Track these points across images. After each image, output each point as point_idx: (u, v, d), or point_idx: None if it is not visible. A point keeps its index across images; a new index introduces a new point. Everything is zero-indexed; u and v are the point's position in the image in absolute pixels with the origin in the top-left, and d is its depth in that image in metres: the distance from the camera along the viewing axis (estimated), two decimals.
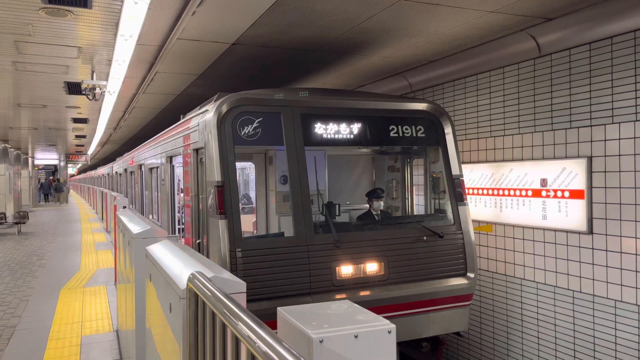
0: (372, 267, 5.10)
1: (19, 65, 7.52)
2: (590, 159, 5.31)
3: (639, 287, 4.90)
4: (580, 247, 5.46)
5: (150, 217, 10.15)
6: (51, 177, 40.76)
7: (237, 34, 6.00)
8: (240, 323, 1.59)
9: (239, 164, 9.90)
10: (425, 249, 5.37)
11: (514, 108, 6.30)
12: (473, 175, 6.92)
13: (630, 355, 5.00)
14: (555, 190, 5.70)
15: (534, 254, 6.04)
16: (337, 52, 6.86)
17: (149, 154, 10.00)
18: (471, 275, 5.53)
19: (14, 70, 7.87)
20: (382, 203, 6.56)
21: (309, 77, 8.48)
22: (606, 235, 5.18)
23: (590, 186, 5.31)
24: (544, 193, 5.84)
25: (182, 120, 6.87)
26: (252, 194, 10.60)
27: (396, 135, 5.67)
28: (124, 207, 9.00)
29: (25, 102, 11.11)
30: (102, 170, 31.22)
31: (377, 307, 4.82)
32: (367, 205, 6.68)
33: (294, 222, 4.94)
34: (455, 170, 5.79)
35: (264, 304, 4.52)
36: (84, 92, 8.08)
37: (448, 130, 5.86)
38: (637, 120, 4.88)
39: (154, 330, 3.17)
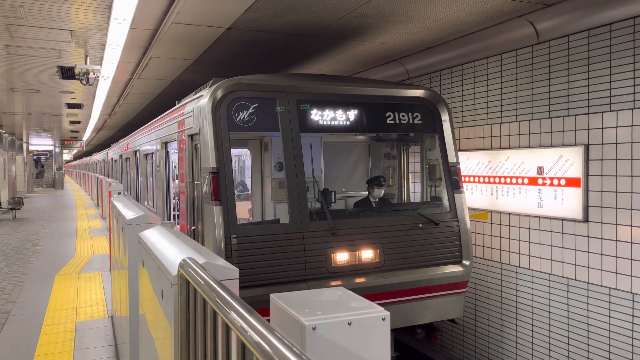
0: (367, 254, 5.09)
1: (11, 49, 7.41)
2: (587, 146, 5.28)
3: (634, 275, 4.90)
4: (575, 235, 5.46)
5: (145, 203, 10.11)
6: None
7: (232, 19, 5.91)
8: (232, 312, 1.56)
9: (234, 151, 9.84)
10: (421, 236, 5.36)
11: (511, 95, 6.25)
12: (469, 162, 6.89)
13: (624, 343, 5.02)
14: (551, 178, 5.68)
15: (529, 242, 6.04)
16: (334, 37, 6.79)
17: (144, 140, 9.93)
18: (466, 262, 5.52)
19: (6, 54, 7.76)
20: (382, 191, 6.53)
21: (305, 63, 8.40)
22: (602, 223, 5.18)
23: (586, 174, 5.30)
24: (540, 181, 5.82)
25: (177, 106, 6.80)
26: (248, 181, 10.56)
27: (393, 122, 5.63)
28: (119, 194, 8.94)
29: (19, 87, 10.99)
30: (98, 156, 31.10)
31: (372, 294, 4.82)
32: (364, 192, 6.65)
33: (290, 209, 4.92)
34: (451, 158, 5.76)
35: (259, 291, 4.51)
36: (77, 77, 7.97)
37: (445, 117, 5.82)
38: (635, 108, 4.85)
39: (147, 316, 3.15)
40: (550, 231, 5.75)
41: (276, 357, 1.20)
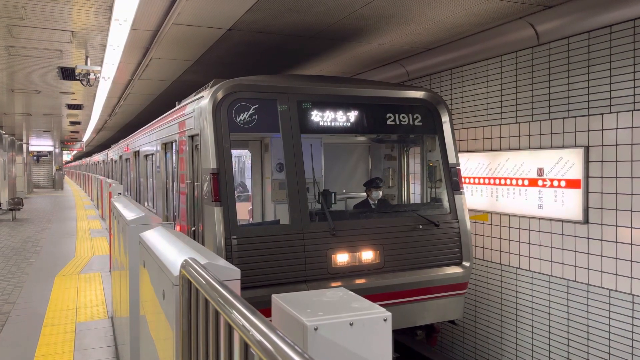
0: (367, 255, 5.09)
1: (12, 49, 7.42)
2: (587, 148, 5.29)
3: (634, 277, 4.91)
4: (575, 236, 5.46)
5: (146, 204, 10.11)
6: None
7: (233, 20, 5.92)
8: (234, 311, 1.56)
9: (234, 152, 9.83)
10: (421, 237, 5.36)
11: (511, 97, 6.26)
12: (469, 164, 6.90)
13: (624, 344, 5.02)
14: (551, 180, 5.68)
15: (529, 243, 6.04)
16: (334, 38, 6.79)
17: (144, 140, 9.93)
18: (466, 264, 5.53)
19: (7, 55, 7.77)
20: (380, 193, 6.54)
21: (305, 64, 8.41)
22: (602, 224, 5.18)
23: (586, 176, 5.30)
24: (540, 182, 5.82)
25: (177, 107, 6.81)
26: (248, 182, 10.56)
27: (393, 123, 5.63)
28: (119, 194, 8.94)
29: (19, 88, 10.99)
30: (97, 157, 31.10)
31: (372, 295, 4.82)
32: (364, 194, 6.66)
33: (290, 209, 4.92)
34: (451, 159, 5.77)
35: (259, 292, 4.51)
36: (78, 78, 7.98)
37: (445, 118, 5.83)
38: (635, 110, 4.86)
39: (148, 317, 3.15)
40: (550, 233, 5.75)
41: (279, 356, 1.20)
